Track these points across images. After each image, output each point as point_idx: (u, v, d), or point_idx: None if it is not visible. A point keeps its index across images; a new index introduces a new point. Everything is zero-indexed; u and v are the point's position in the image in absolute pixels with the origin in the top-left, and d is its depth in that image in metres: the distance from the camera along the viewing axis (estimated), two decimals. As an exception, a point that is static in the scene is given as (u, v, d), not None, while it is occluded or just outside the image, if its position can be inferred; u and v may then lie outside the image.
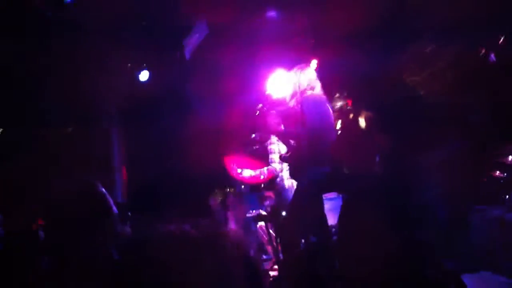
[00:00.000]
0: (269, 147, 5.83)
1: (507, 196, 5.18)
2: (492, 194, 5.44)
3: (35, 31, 5.38)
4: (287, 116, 5.07)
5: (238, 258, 1.19)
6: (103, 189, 1.87)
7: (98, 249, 1.72)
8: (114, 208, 1.84)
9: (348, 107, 7.32)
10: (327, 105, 4.73)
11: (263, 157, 5.92)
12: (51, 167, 5.88)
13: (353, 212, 1.63)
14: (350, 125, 7.32)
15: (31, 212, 4.17)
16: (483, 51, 6.18)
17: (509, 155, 5.29)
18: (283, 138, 5.13)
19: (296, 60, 5.94)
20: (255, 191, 6.76)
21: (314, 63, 6.60)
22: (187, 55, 6.06)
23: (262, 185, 6.89)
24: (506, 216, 5.01)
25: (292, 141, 4.81)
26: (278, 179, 5.69)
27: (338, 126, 7.32)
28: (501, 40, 6.07)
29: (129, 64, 6.60)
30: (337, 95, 7.39)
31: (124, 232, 2.96)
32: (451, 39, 6.12)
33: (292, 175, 4.90)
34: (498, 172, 5.43)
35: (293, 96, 4.73)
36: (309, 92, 4.62)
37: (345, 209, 1.70)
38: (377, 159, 6.95)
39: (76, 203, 1.80)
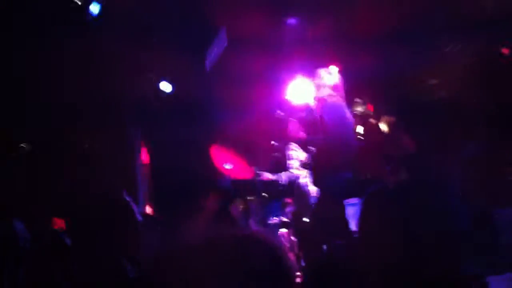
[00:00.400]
0: (288, 152, 5.82)
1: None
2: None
3: (59, 31, 5.47)
4: (307, 122, 5.07)
5: (274, 260, 1.15)
6: (128, 197, 1.89)
7: (116, 261, 1.74)
8: (139, 216, 1.87)
9: (369, 112, 7.30)
10: (348, 111, 4.72)
11: (281, 163, 5.92)
12: (72, 169, 5.96)
13: (374, 210, 1.60)
14: (372, 130, 7.29)
15: (48, 212, 4.22)
16: (503, 50, 6.11)
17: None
18: (303, 145, 5.13)
19: (316, 66, 5.97)
20: (275, 198, 6.77)
21: (335, 68, 6.61)
22: (208, 66, 6.11)
23: (281, 190, 6.91)
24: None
25: (312, 148, 4.81)
26: (300, 185, 5.67)
27: (360, 131, 7.30)
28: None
29: (151, 75, 6.67)
30: (358, 100, 7.38)
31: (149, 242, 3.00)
32: (470, 39, 6.07)
33: (314, 182, 4.90)
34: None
35: (315, 100, 4.74)
36: (329, 99, 4.60)
37: (366, 206, 1.66)
38: (399, 163, 6.91)
39: (101, 209, 1.82)
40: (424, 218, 1.59)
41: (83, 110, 6.28)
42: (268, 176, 5.81)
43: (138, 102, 6.98)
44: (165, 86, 6.71)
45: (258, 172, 5.86)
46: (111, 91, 6.42)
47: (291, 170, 5.69)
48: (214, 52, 6.00)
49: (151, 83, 6.69)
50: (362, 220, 1.59)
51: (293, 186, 5.70)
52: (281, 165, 5.88)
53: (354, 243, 1.64)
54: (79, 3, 5.25)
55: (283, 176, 5.76)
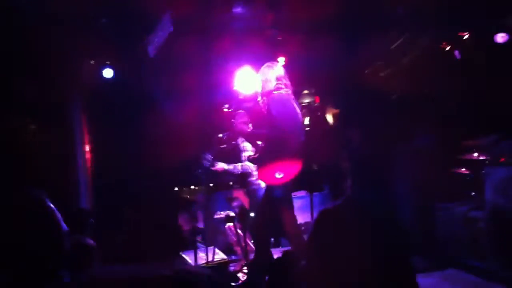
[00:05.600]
0: (241, 145, 5.74)
1: (472, 193, 5.24)
2: (457, 191, 5.51)
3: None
4: (254, 115, 5.00)
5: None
6: (51, 204, 1.72)
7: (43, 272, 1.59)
8: (63, 226, 1.71)
9: (316, 104, 7.35)
10: (295, 104, 4.66)
11: (233, 155, 5.84)
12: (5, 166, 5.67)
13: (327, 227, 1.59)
14: (318, 122, 7.35)
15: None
16: (448, 47, 6.24)
17: (475, 151, 5.34)
18: (250, 139, 5.06)
19: (263, 57, 5.89)
20: (225, 189, 6.70)
21: (281, 60, 6.56)
22: (152, 52, 5.90)
23: (231, 183, 6.84)
24: (470, 213, 5.07)
25: (259, 142, 4.75)
26: (253, 179, 5.62)
27: (306, 122, 7.34)
28: (466, 36, 6.14)
29: (92, 61, 6.40)
30: (305, 91, 7.42)
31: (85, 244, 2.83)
32: (416, 35, 6.17)
33: (261, 176, 4.84)
34: (463, 169, 5.49)
35: (261, 94, 4.66)
36: (276, 92, 4.53)
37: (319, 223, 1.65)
38: (346, 154, 7.00)
39: (17, 221, 1.64)
40: (374, 231, 1.59)
41: (24, 97, 6.01)
42: (223, 166, 5.71)
43: (81, 89, 6.73)
44: (108, 73, 6.46)
45: (212, 161, 5.72)
46: (54, 78, 6.16)
47: (245, 162, 5.62)
48: (158, 38, 5.79)
49: (94, 69, 6.43)
50: (316, 235, 1.56)
51: (247, 178, 5.64)
52: (232, 157, 5.80)
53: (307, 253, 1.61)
54: None
55: (239, 167, 5.69)
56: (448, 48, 6.04)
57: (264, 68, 4.72)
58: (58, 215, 1.76)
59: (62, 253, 1.69)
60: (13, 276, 1.55)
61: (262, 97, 4.65)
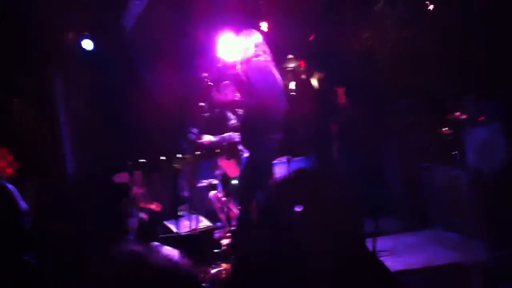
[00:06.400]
0: (227, 113, 5.70)
1: (454, 153, 5.27)
2: (439, 151, 5.55)
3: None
4: (235, 83, 4.97)
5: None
6: (8, 185, 1.74)
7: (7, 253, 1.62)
8: (22, 204, 1.73)
9: (301, 68, 7.29)
10: (275, 71, 4.62)
11: (218, 124, 5.81)
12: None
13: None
14: (304, 86, 7.30)
15: None
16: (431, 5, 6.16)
17: (457, 111, 5.33)
18: (229, 108, 5.04)
19: (245, 22, 5.80)
20: (210, 157, 6.70)
21: (264, 24, 6.48)
22: (129, 23, 5.82)
23: (218, 151, 6.83)
24: (452, 172, 5.12)
25: (240, 110, 4.74)
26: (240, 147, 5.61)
27: (292, 86, 7.29)
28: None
29: (70, 33, 6.32)
30: (290, 56, 7.33)
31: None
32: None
33: (243, 144, 4.86)
34: (445, 128, 5.49)
35: (239, 62, 4.61)
36: (254, 59, 4.49)
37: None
38: (332, 117, 7.01)
39: None
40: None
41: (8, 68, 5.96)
42: (209, 138, 5.67)
43: (59, 64, 6.68)
44: (87, 44, 6.39)
45: (198, 134, 5.68)
46: (28, 53, 6.11)
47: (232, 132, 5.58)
48: (135, 8, 5.69)
49: (73, 41, 6.37)
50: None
51: (235, 146, 5.62)
52: (219, 126, 5.76)
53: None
54: None
55: (226, 137, 5.66)
56: (431, 6, 5.96)
57: (241, 36, 4.67)
58: (17, 194, 1.78)
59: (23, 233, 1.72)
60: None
61: (241, 65, 4.61)
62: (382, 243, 4.29)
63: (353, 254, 1.59)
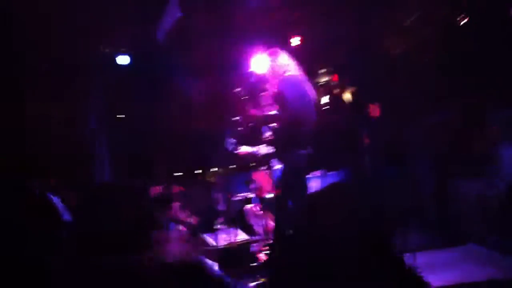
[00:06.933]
0: (262, 126, 5.76)
1: (491, 168, 5.18)
2: (473, 167, 5.45)
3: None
4: (269, 98, 5.02)
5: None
6: (49, 195, 1.81)
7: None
8: (65, 216, 1.80)
9: (334, 83, 7.30)
10: (307, 84, 4.67)
11: (252, 138, 5.87)
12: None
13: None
14: (337, 100, 7.31)
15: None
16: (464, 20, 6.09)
17: (492, 125, 5.24)
18: (263, 122, 5.09)
19: (277, 37, 5.87)
20: (244, 171, 6.76)
21: (297, 39, 6.55)
22: (161, 38, 5.96)
23: (252, 165, 6.89)
24: (487, 188, 5.03)
25: (274, 124, 4.79)
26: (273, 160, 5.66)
27: (325, 101, 7.31)
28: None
29: (107, 50, 6.52)
30: (322, 70, 7.37)
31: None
32: (431, 9, 6.05)
33: (277, 157, 4.90)
34: (480, 143, 5.41)
35: (272, 77, 4.67)
36: (287, 73, 4.55)
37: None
38: (365, 131, 6.98)
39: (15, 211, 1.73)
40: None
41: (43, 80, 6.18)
42: (246, 149, 5.74)
43: (98, 75, 6.88)
44: (123, 59, 6.58)
45: (235, 145, 5.76)
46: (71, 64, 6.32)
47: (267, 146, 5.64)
48: (166, 23, 5.82)
49: (109, 56, 6.56)
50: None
51: (269, 159, 5.67)
52: (253, 139, 5.83)
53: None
54: None
55: (262, 150, 5.72)
56: (464, 21, 5.89)
57: (267, 56, 4.73)
58: (58, 203, 1.86)
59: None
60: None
61: (273, 79, 4.67)
62: (417, 258, 4.23)
63: (388, 268, 1.60)
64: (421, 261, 4.42)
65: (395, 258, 1.68)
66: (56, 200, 1.82)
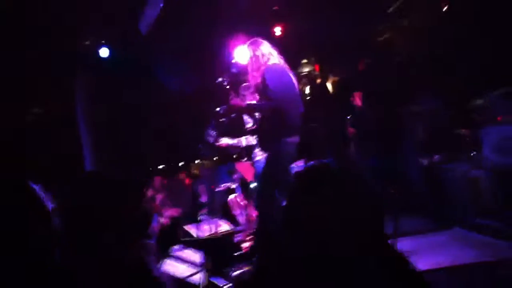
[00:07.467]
0: (245, 117, 5.73)
1: (474, 153, 5.24)
2: (459, 151, 5.52)
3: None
4: (252, 87, 4.99)
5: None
6: (33, 185, 1.76)
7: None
8: (48, 204, 1.76)
9: (316, 72, 7.31)
10: (291, 74, 4.64)
11: (234, 129, 5.84)
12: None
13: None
14: (319, 89, 7.32)
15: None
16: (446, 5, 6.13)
17: (475, 112, 5.30)
18: (247, 112, 5.06)
19: (260, 27, 5.83)
20: (228, 161, 6.74)
21: (278, 29, 6.51)
22: (144, 29, 5.88)
23: (235, 156, 6.88)
24: (472, 173, 5.09)
25: (256, 114, 4.76)
26: (256, 151, 5.64)
27: (307, 91, 7.32)
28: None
29: (87, 42, 6.42)
30: (304, 61, 7.36)
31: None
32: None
33: (261, 147, 4.88)
34: (465, 129, 5.48)
35: (254, 68, 4.63)
36: (270, 63, 4.51)
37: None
38: (349, 120, 7.00)
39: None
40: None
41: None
42: (227, 141, 5.72)
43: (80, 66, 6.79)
44: (104, 52, 6.50)
45: (216, 137, 5.73)
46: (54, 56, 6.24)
47: (249, 136, 5.62)
48: (148, 14, 5.75)
49: (90, 50, 6.48)
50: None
51: (251, 150, 5.66)
52: (236, 130, 5.80)
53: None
54: None
55: (243, 141, 5.70)
56: (446, 6, 5.93)
57: (250, 46, 4.69)
58: (43, 195, 1.81)
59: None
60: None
61: (256, 69, 4.62)
62: (404, 243, 4.26)
63: (378, 252, 1.57)
64: (408, 245, 4.47)
65: (388, 245, 1.65)
66: (37, 188, 1.77)
